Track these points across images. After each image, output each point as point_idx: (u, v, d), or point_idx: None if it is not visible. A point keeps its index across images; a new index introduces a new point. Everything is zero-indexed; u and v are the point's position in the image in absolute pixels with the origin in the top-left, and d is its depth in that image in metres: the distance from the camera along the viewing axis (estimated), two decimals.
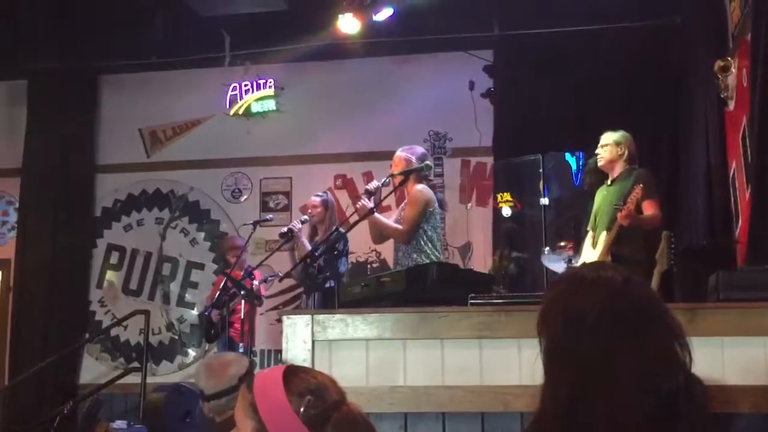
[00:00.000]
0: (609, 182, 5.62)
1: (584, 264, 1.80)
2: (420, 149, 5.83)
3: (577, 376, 1.48)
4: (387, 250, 6.04)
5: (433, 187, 5.83)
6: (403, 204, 5.81)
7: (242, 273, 7.02)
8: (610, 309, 1.51)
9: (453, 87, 8.23)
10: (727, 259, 5.25)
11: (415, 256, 5.47)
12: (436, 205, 5.71)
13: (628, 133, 5.62)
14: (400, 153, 5.71)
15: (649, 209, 5.31)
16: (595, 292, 1.54)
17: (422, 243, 5.53)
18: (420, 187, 5.63)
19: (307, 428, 1.67)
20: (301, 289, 7.82)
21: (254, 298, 6.91)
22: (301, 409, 1.68)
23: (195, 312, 8.48)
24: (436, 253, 5.60)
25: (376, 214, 5.56)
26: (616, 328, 1.49)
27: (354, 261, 7.95)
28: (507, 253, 7.36)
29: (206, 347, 8.14)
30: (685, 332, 1.53)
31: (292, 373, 1.77)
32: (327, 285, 6.02)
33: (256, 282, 6.94)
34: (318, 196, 6.77)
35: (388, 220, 5.83)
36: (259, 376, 1.82)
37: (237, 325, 6.98)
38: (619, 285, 1.54)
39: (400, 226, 5.60)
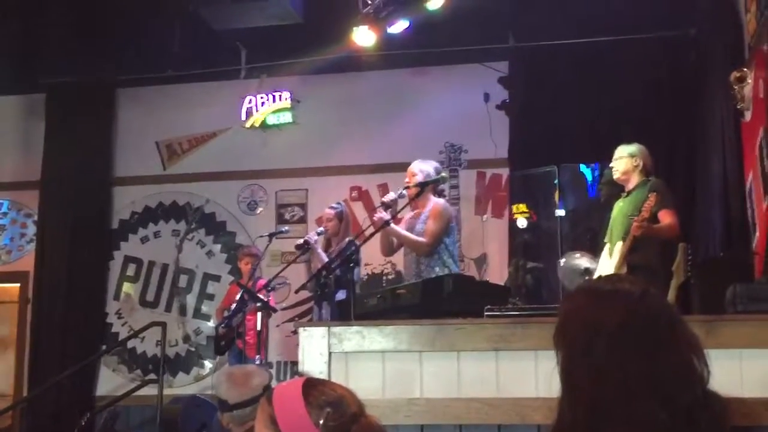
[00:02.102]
0: (625, 194, 5.61)
1: (601, 276, 1.80)
2: (434, 162, 5.91)
3: (594, 388, 1.48)
4: (402, 261, 6.04)
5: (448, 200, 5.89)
6: (411, 215, 5.81)
7: (251, 283, 7.08)
8: (627, 322, 1.51)
9: (468, 99, 8.25)
10: (745, 270, 5.21)
11: (438, 270, 5.46)
12: (455, 221, 5.82)
13: (643, 146, 5.61)
14: (414, 166, 5.75)
15: (665, 219, 5.29)
16: (612, 305, 1.54)
17: (444, 258, 5.57)
18: (443, 202, 5.74)
19: None
20: None
21: (270, 309, 6.94)
22: (321, 422, 1.69)
23: (211, 324, 8.50)
24: (455, 268, 5.65)
25: (394, 226, 5.57)
26: (633, 341, 1.49)
27: (369, 273, 7.96)
28: (523, 263, 7.35)
29: (217, 359, 8.15)
30: (703, 345, 1.53)
31: (312, 385, 1.78)
32: (341, 296, 6.00)
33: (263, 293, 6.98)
34: (332, 208, 6.78)
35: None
36: (278, 388, 1.83)
37: (246, 337, 7.01)
38: (636, 298, 1.55)
39: (421, 239, 5.59)
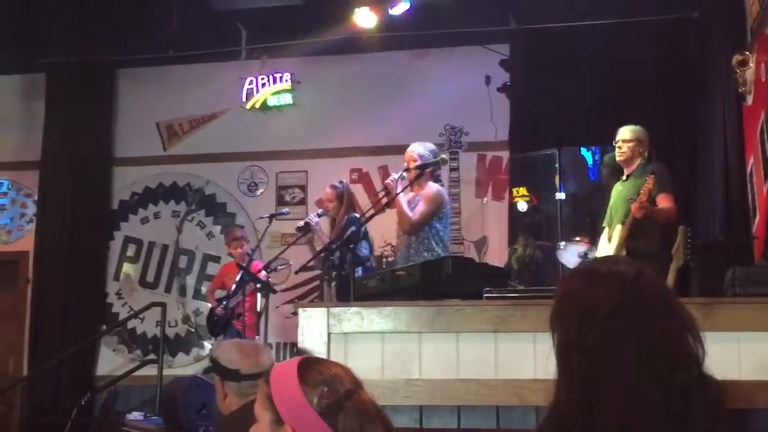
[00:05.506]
0: (624, 177, 5.61)
1: (596, 258, 1.80)
2: (431, 145, 5.97)
3: (589, 370, 1.49)
4: None
5: (446, 180, 5.93)
6: (409, 197, 5.88)
7: (244, 263, 7.11)
8: (623, 303, 1.51)
9: (469, 81, 8.23)
10: (744, 254, 5.23)
11: (426, 254, 5.58)
12: (449, 207, 5.92)
13: (643, 128, 5.62)
14: (413, 150, 5.81)
15: (663, 202, 5.30)
16: (608, 287, 1.54)
17: (434, 243, 5.70)
18: (437, 186, 5.86)
19: (321, 418, 1.70)
20: (317, 282, 7.86)
21: (270, 291, 6.95)
22: (315, 400, 1.71)
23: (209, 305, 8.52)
24: (444, 253, 5.70)
25: (400, 197, 5.67)
26: (629, 322, 1.50)
27: None
28: (531, 242, 7.33)
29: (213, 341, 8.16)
30: (699, 325, 1.53)
31: (308, 364, 1.80)
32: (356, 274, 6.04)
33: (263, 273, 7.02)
34: (333, 187, 6.78)
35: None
36: (275, 368, 1.85)
37: (244, 318, 7.04)
38: (632, 279, 1.55)
39: (409, 213, 5.73)
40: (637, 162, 5.53)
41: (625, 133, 5.56)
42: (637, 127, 5.59)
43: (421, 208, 5.73)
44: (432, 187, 5.82)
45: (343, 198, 6.71)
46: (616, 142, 5.57)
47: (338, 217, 6.64)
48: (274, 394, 1.76)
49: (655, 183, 5.11)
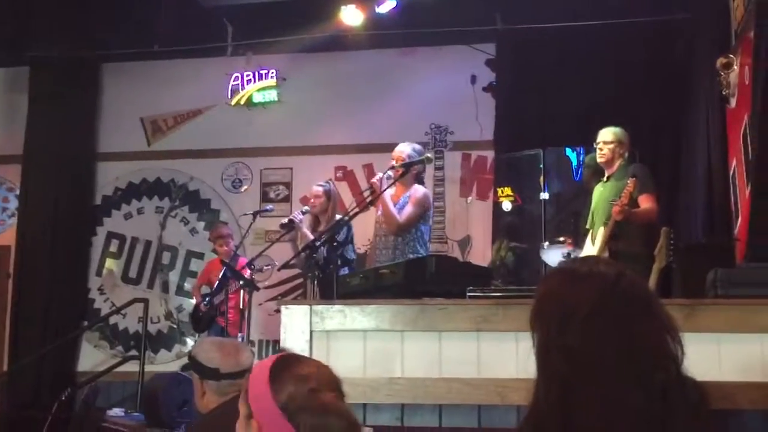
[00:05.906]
0: (605, 179, 5.63)
1: (577, 258, 1.81)
2: (418, 146, 6.01)
3: (569, 370, 1.49)
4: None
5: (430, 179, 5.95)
6: (391, 194, 5.89)
7: (228, 261, 7.08)
8: (602, 303, 1.51)
9: (455, 80, 8.23)
10: (726, 256, 5.25)
11: (411, 256, 5.57)
12: (432, 210, 6.08)
13: (623, 129, 5.65)
14: (401, 149, 5.82)
15: (644, 203, 5.34)
16: (588, 287, 1.54)
17: (418, 246, 5.74)
18: (424, 189, 5.91)
19: (283, 416, 1.73)
20: (300, 280, 7.85)
21: (253, 288, 6.93)
22: (280, 398, 1.75)
23: (194, 301, 8.49)
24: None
25: (384, 195, 5.69)
26: (608, 323, 1.50)
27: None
28: (506, 243, 7.37)
29: (197, 337, 8.13)
30: (678, 326, 1.53)
31: (282, 363, 1.83)
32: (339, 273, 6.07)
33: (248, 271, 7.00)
34: (320, 186, 6.78)
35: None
36: (256, 364, 1.89)
37: (228, 315, 7.02)
38: (612, 279, 1.55)
39: (396, 215, 5.74)
40: (618, 163, 5.55)
41: (606, 134, 5.59)
42: (618, 129, 5.61)
43: (408, 210, 5.75)
44: (419, 190, 5.85)
45: (330, 195, 6.71)
46: (597, 144, 5.60)
47: (325, 215, 6.63)
48: (249, 390, 1.81)
49: (636, 185, 5.15)
